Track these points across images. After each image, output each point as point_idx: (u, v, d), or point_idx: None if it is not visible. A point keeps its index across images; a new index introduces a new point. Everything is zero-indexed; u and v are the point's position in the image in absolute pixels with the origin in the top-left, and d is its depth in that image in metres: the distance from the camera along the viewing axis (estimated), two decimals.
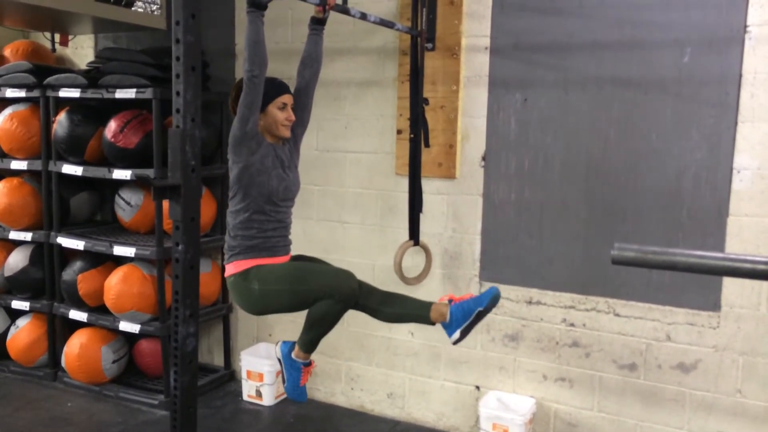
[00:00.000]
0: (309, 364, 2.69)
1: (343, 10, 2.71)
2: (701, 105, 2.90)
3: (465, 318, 2.54)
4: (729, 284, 2.91)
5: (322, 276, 2.53)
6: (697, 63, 2.89)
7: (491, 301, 2.53)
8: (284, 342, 2.74)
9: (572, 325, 3.23)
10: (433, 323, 2.59)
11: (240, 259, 2.56)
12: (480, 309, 2.53)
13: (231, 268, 2.59)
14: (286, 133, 2.62)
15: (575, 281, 3.20)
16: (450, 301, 2.58)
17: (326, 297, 2.46)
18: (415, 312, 2.60)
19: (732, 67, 2.83)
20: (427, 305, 2.60)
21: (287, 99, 2.61)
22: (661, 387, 3.07)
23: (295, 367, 2.68)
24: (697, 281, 2.92)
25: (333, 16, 2.73)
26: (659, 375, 3.07)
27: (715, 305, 2.95)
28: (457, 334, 2.56)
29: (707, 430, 3.00)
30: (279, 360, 2.74)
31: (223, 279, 4.05)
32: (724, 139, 2.87)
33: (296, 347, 2.67)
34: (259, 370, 3.79)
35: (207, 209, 3.93)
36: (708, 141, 2.90)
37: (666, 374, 3.06)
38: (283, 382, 2.72)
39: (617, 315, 3.13)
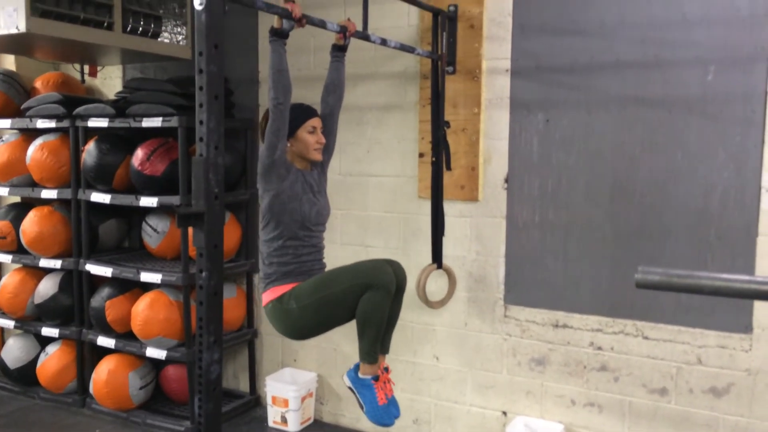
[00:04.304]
0: (378, 378, 2.54)
1: (364, 36, 2.74)
2: (727, 123, 2.86)
3: (355, 385, 2.58)
4: (760, 305, 2.84)
5: (355, 270, 2.49)
6: (722, 81, 2.86)
7: (372, 417, 2.53)
8: (348, 370, 2.62)
9: (600, 348, 3.17)
10: (375, 360, 2.57)
11: (277, 285, 2.55)
12: (358, 399, 2.58)
13: (268, 295, 2.56)
14: (318, 156, 2.64)
15: (602, 304, 3.16)
16: (385, 369, 2.62)
17: (366, 289, 2.41)
18: (378, 345, 2.56)
19: (757, 84, 2.80)
20: (383, 349, 2.66)
21: (316, 122, 2.63)
22: (693, 412, 3.00)
23: (365, 386, 2.54)
24: (727, 302, 2.86)
25: (354, 42, 2.77)
26: (691, 399, 3.00)
27: (746, 327, 2.88)
28: (347, 380, 2.63)
29: None
30: (350, 389, 2.61)
31: (249, 304, 4.11)
32: (751, 158, 2.83)
33: (360, 365, 2.55)
34: (284, 396, 3.79)
35: (232, 235, 3.96)
36: (735, 159, 2.86)
37: (698, 399, 2.99)
38: (362, 409, 2.56)
39: (646, 338, 3.07)
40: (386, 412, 2.53)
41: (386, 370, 2.63)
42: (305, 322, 2.52)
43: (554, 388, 3.29)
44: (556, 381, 3.28)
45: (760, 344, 2.86)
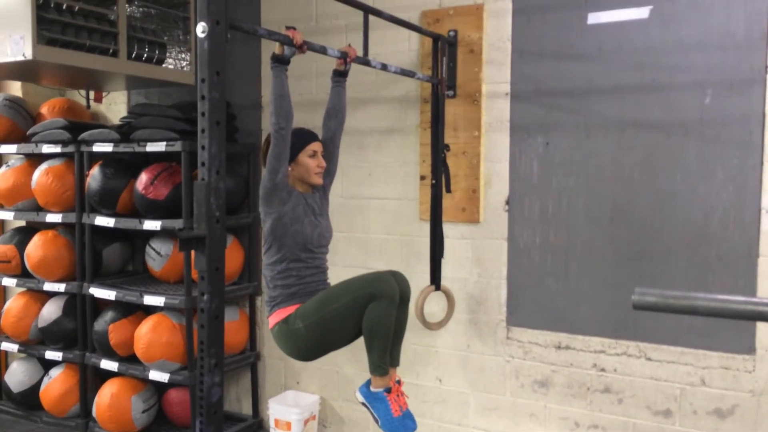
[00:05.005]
0: (390, 390, 2.54)
1: (364, 62, 2.77)
2: (725, 146, 2.88)
3: (368, 400, 2.56)
4: (763, 326, 2.84)
5: (357, 283, 2.50)
6: (719, 104, 2.89)
7: (388, 430, 2.51)
8: (360, 386, 2.62)
9: (603, 370, 3.16)
10: (385, 372, 2.56)
11: (282, 308, 2.57)
12: (372, 413, 2.56)
13: (274, 318, 2.57)
14: (319, 180, 2.67)
15: (604, 325, 3.16)
16: (397, 382, 2.59)
17: (370, 300, 2.42)
18: (388, 356, 2.56)
19: (754, 107, 2.82)
20: (393, 361, 2.62)
21: (317, 146, 2.67)
22: None
23: (378, 399, 2.52)
24: (729, 323, 2.86)
25: (355, 67, 2.81)
26: (695, 421, 2.98)
27: (749, 348, 2.87)
28: (359, 396, 2.60)
29: None
30: (364, 405, 2.59)
31: (251, 327, 4.11)
32: (750, 179, 2.84)
33: (372, 379, 2.55)
34: (287, 419, 3.77)
35: (235, 258, 3.98)
36: (733, 181, 2.87)
37: (702, 420, 2.97)
38: (377, 423, 2.54)
39: (649, 359, 3.06)
40: (402, 424, 2.51)
41: (398, 382, 2.61)
42: (313, 340, 2.53)
43: (558, 410, 3.28)
44: (560, 403, 3.27)
45: (763, 365, 2.85)
